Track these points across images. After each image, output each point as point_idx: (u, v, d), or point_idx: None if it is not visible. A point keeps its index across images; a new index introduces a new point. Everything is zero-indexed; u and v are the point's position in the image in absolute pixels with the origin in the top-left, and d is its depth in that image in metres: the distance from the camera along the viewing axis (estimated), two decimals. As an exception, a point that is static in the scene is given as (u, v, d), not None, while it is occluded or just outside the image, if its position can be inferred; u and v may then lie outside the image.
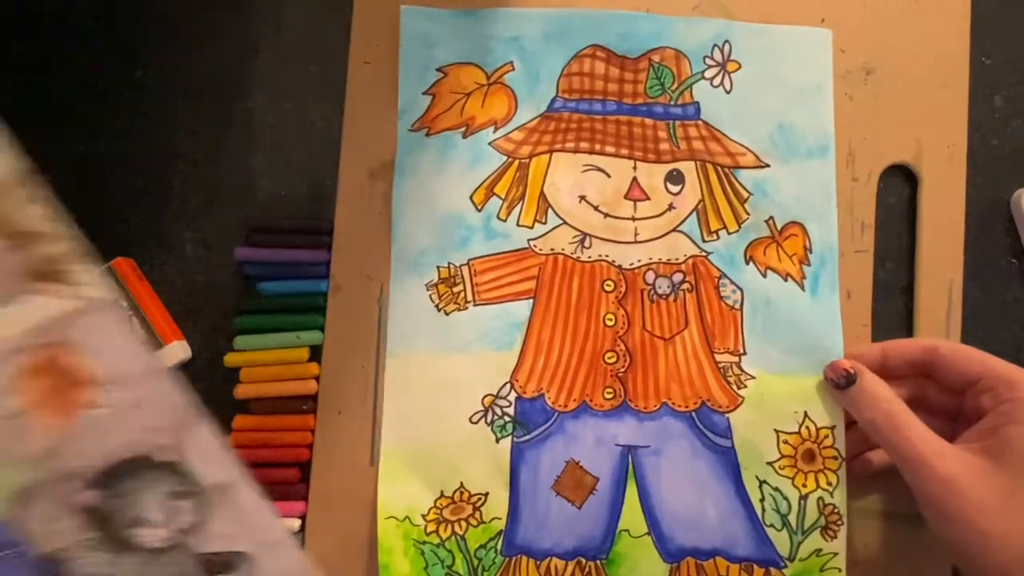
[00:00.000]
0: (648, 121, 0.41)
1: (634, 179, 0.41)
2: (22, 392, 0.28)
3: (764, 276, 0.40)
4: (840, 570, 0.38)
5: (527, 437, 0.39)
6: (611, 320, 0.40)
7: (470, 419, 0.39)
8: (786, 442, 0.39)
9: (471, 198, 0.40)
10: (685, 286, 0.40)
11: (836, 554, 0.38)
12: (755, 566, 0.38)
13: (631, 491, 0.39)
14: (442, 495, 0.39)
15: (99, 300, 0.28)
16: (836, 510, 0.38)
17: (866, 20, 0.42)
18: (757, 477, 0.39)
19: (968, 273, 0.41)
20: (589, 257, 0.40)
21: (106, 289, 0.28)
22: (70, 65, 0.43)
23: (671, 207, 0.41)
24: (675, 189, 0.41)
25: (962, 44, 0.42)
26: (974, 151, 0.42)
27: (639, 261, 0.40)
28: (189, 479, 0.30)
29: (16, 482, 0.28)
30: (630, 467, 0.39)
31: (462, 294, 0.40)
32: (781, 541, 0.38)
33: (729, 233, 0.40)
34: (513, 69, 0.41)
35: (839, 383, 0.37)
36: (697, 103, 0.41)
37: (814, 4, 0.42)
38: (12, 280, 0.26)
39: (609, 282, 0.40)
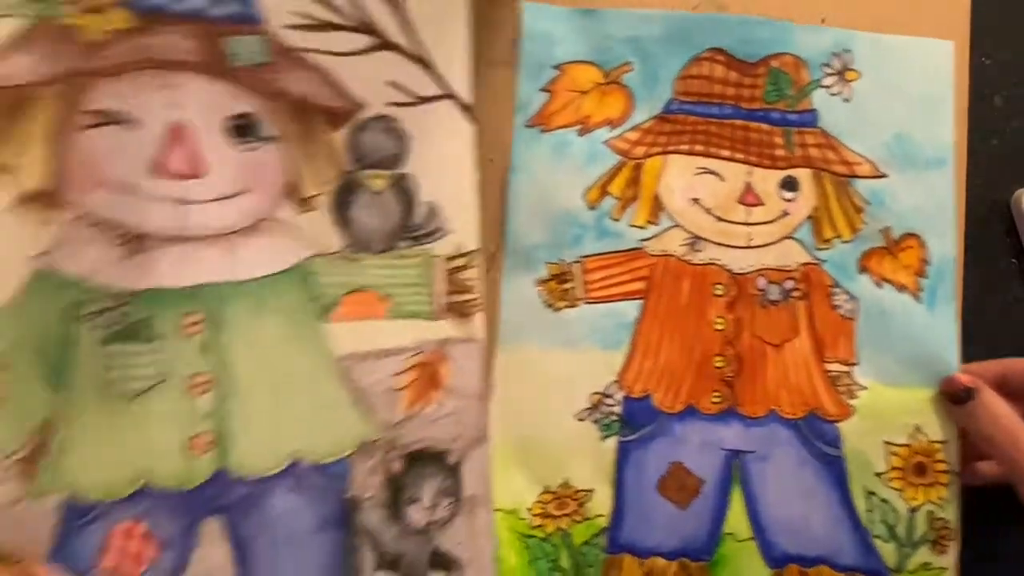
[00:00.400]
0: (764, 126, 0.41)
1: (748, 184, 0.41)
2: (405, 376, 0.37)
3: (879, 287, 0.40)
4: (950, 585, 0.38)
5: (633, 437, 0.39)
6: (721, 324, 0.40)
7: (576, 416, 0.39)
8: (896, 454, 0.39)
9: (584, 196, 0.40)
10: (796, 293, 0.40)
11: (946, 569, 0.38)
12: (860, 576, 0.38)
13: (736, 495, 0.39)
14: (546, 490, 0.39)
15: (477, 337, 0.38)
16: (947, 524, 0.38)
17: (866, 20, 0.42)
18: (865, 488, 0.39)
19: (968, 273, 0.41)
20: (700, 260, 0.40)
21: (483, 331, 0.39)
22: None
23: (785, 213, 0.41)
24: (789, 196, 0.41)
25: (962, 44, 0.42)
26: (974, 151, 0.42)
27: (750, 266, 0.40)
28: (458, 483, 0.38)
29: (366, 435, 0.37)
30: (735, 472, 0.39)
31: (572, 291, 0.40)
32: (888, 553, 0.38)
33: (844, 242, 0.40)
34: (631, 69, 0.41)
35: (957, 398, 0.37)
36: (815, 110, 0.41)
37: (814, 4, 0.41)
38: (442, 312, 0.38)
39: (720, 286, 0.40)
